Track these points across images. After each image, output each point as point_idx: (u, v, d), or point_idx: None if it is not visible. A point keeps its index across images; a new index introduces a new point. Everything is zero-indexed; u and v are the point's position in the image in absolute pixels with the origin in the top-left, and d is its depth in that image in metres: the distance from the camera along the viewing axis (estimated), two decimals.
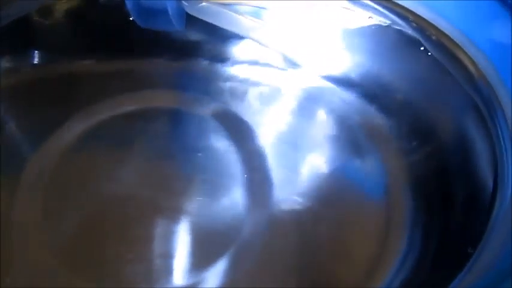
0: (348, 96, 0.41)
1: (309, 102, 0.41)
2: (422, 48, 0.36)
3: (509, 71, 0.32)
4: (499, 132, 0.31)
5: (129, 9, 0.36)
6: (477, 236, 0.28)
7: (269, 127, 0.40)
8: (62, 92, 0.41)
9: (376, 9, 0.37)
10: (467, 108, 0.34)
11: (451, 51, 0.35)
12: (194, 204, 0.36)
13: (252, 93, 0.42)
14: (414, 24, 0.36)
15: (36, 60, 0.42)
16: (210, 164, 0.38)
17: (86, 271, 0.33)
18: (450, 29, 0.35)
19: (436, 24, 0.35)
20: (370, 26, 0.38)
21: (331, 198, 0.36)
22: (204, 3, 0.38)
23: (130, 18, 0.37)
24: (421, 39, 0.36)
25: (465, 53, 0.34)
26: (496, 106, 0.32)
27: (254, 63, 0.42)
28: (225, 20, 0.38)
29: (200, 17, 0.38)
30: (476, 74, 0.33)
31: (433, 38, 0.35)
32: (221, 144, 0.39)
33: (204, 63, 0.42)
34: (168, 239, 0.34)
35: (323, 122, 0.41)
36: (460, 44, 0.34)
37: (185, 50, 0.42)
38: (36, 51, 0.42)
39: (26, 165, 0.37)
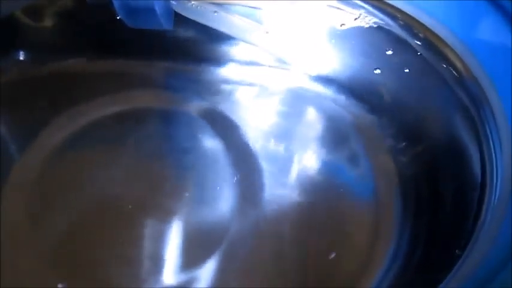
0: (337, 97, 0.41)
1: (298, 102, 0.41)
2: (411, 48, 0.36)
3: (496, 69, 0.32)
4: (487, 131, 0.31)
5: (116, 8, 0.36)
6: (465, 238, 0.28)
7: (259, 127, 0.40)
8: (50, 92, 0.41)
9: (364, 7, 0.37)
10: (456, 107, 0.34)
11: (439, 50, 0.35)
12: (184, 204, 0.36)
13: (242, 93, 0.42)
14: (402, 23, 0.36)
15: (24, 60, 0.41)
16: (199, 165, 0.38)
17: (73, 272, 0.33)
18: (438, 28, 0.35)
19: (424, 23, 0.35)
20: (359, 27, 0.38)
21: (321, 198, 0.36)
22: (192, 3, 0.37)
23: (118, 18, 0.37)
24: (408, 37, 0.36)
25: (453, 51, 0.34)
26: (484, 104, 0.32)
27: (244, 63, 0.42)
28: (214, 20, 0.38)
29: (189, 16, 0.38)
30: (464, 72, 0.33)
31: (421, 36, 0.35)
32: (211, 144, 0.39)
33: (194, 63, 0.42)
34: (158, 239, 0.34)
35: (313, 122, 0.41)
36: (448, 43, 0.34)
37: (175, 50, 0.42)
38: (24, 51, 0.41)
39: (13, 165, 0.37)
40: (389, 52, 0.37)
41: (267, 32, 0.38)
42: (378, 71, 0.39)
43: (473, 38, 0.34)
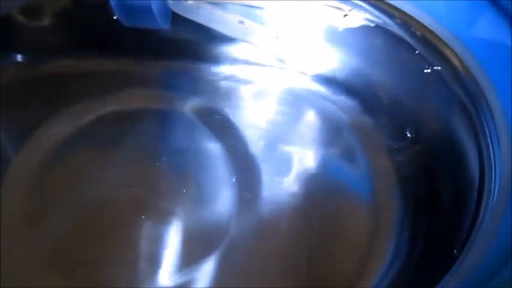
0: (335, 96, 0.41)
1: (297, 102, 0.41)
2: (409, 47, 0.36)
3: (495, 68, 0.32)
4: (486, 130, 0.31)
5: (112, 7, 0.36)
6: (464, 237, 0.28)
7: (257, 127, 0.40)
8: (46, 92, 0.40)
9: (361, 6, 0.36)
10: (454, 106, 0.34)
11: (437, 48, 0.34)
12: (181, 205, 0.36)
13: (240, 93, 0.41)
14: (400, 22, 0.36)
15: (20, 61, 0.41)
16: (197, 165, 0.38)
17: (69, 273, 0.33)
18: (436, 26, 0.34)
19: (421, 21, 0.35)
20: (357, 27, 0.38)
21: (320, 198, 0.36)
22: (189, 1, 0.37)
23: (115, 17, 0.37)
24: (406, 36, 0.36)
25: (451, 50, 0.34)
26: (483, 103, 0.32)
27: (242, 62, 0.42)
28: (212, 19, 0.38)
29: (186, 15, 0.37)
30: (463, 70, 0.33)
31: (419, 34, 0.35)
32: (209, 144, 0.39)
33: (192, 62, 0.42)
34: (155, 240, 0.34)
35: (311, 122, 0.40)
36: (445, 41, 0.34)
37: (173, 49, 0.42)
38: (20, 52, 0.41)
39: (10, 166, 0.37)
40: (387, 51, 0.37)
41: (277, 37, 0.38)
42: (375, 70, 0.39)
43: (471, 37, 0.34)
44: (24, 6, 0.40)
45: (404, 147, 0.38)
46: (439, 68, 0.34)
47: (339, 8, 0.38)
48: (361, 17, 0.37)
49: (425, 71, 0.35)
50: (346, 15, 0.37)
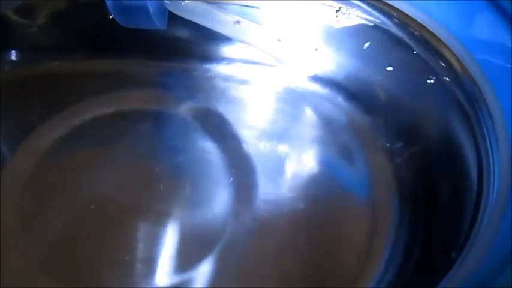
0: (333, 96, 0.41)
1: (294, 102, 0.41)
2: (407, 47, 0.36)
3: (493, 68, 0.32)
4: (484, 131, 0.31)
5: (108, 7, 0.35)
6: (462, 239, 0.28)
7: (254, 127, 0.40)
8: (41, 93, 0.40)
9: (359, 6, 0.36)
10: (453, 107, 0.34)
11: (436, 49, 0.34)
12: (177, 206, 0.35)
13: (237, 93, 0.41)
14: (398, 21, 0.35)
15: (15, 61, 0.41)
16: (194, 166, 0.37)
17: (65, 275, 0.33)
18: (435, 26, 0.34)
19: (420, 21, 0.35)
20: (355, 27, 0.37)
21: (317, 199, 0.36)
22: (186, 1, 0.37)
23: (110, 17, 0.36)
24: (405, 36, 0.35)
25: (450, 50, 0.34)
26: (481, 104, 0.32)
27: (239, 62, 0.42)
28: (209, 19, 0.37)
29: (183, 15, 0.37)
30: (461, 71, 0.33)
31: (417, 34, 0.35)
32: (205, 145, 0.38)
33: (189, 62, 0.42)
34: (151, 241, 0.34)
35: (309, 123, 0.40)
36: (444, 41, 0.34)
37: (170, 49, 0.42)
38: (15, 51, 0.41)
39: (4, 166, 0.37)
40: (385, 51, 0.37)
41: (278, 40, 0.38)
42: (373, 71, 0.38)
43: (470, 37, 0.34)
44: (20, 5, 0.39)
45: (402, 148, 0.38)
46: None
47: (336, 9, 0.37)
48: (359, 17, 0.37)
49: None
50: (337, 10, 0.37)
